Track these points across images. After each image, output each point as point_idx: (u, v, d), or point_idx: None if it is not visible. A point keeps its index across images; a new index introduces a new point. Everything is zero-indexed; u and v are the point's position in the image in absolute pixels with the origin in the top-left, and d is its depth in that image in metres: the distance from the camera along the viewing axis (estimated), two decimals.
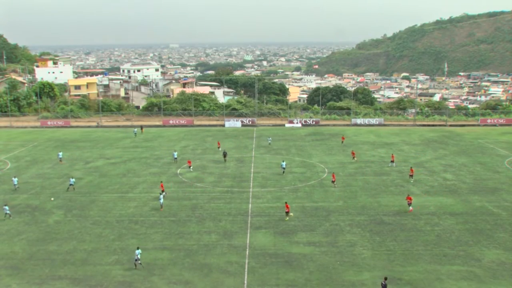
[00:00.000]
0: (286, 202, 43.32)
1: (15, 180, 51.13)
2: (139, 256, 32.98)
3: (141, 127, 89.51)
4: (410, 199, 44.05)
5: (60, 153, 65.21)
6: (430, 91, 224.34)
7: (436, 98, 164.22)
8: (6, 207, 42.89)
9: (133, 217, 42.77)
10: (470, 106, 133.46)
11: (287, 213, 42.06)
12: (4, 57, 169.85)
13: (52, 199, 47.94)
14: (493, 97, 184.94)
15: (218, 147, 71.66)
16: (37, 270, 32.75)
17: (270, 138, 75.20)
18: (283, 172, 56.82)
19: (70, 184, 50.58)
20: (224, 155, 63.33)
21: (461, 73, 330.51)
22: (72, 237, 38.48)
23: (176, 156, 62.89)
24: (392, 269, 32.62)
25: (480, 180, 54.24)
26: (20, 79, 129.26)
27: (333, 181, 51.68)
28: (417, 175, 56.08)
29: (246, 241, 37.30)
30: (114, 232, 39.15)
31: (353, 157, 63.36)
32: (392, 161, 60.77)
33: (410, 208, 43.61)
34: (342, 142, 74.11)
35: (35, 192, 50.49)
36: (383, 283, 29.16)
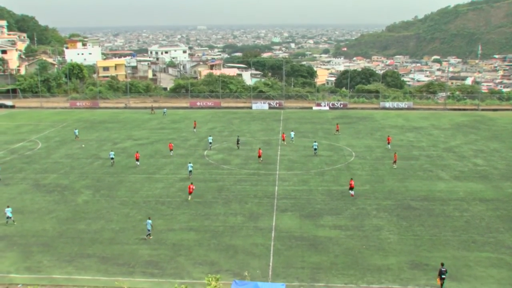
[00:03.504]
0: (191, 183, 43.48)
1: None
2: (149, 227, 34.52)
3: (152, 108, 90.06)
4: (352, 183, 43.35)
5: (76, 130, 67.79)
6: (462, 74, 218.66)
7: (468, 81, 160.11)
8: (112, 152, 54.28)
9: (160, 198, 43.25)
10: (505, 90, 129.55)
11: (190, 194, 42.52)
12: (35, 38, 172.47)
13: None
14: None
15: (194, 127, 71.48)
16: (66, 248, 33.50)
17: (293, 132, 65.53)
18: (315, 153, 56.50)
19: (8, 217, 37.45)
20: (238, 141, 61.54)
21: (496, 56, 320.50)
22: (100, 216, 39.18)
23: (211, 141, 60.86)
24: (419, 254, 32.19)
25: None
26: (50, 60, 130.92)
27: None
28: (446, 160, 55.05)
29: (272, 224, 37.32)
30: (141, 213, 39.66)
31: (388, 143, 61.12)
32: (388, 143, 60.45)
33: (351, 192, 42.99)
34: (337, 131, 69.66)
35: (65, 172, 51.47)
36: (442, 269, 27.94)
